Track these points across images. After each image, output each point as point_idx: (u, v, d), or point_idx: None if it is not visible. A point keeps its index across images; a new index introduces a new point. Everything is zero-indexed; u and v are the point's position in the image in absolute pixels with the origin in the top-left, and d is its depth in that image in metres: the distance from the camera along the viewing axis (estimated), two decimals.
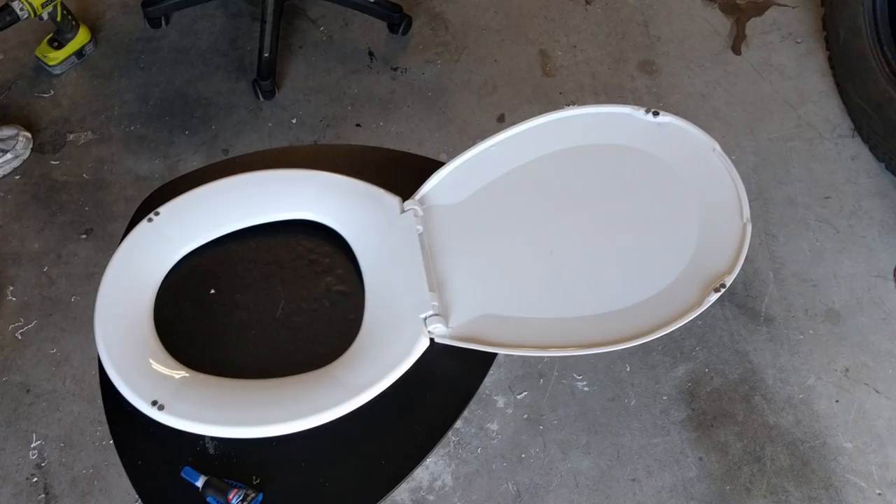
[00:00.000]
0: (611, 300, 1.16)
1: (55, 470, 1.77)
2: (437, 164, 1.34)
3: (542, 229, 1.23)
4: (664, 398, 1.89)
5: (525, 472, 1.81)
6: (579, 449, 1.84)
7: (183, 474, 1.12)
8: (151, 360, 1.19)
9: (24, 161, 2.09)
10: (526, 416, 1.85)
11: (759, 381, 1.91)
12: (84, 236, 2.06)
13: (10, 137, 2.08)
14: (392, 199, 1.31)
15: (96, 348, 1.19)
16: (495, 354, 1.21)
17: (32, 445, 1.80)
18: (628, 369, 1.93)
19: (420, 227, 1.27)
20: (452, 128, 2.20)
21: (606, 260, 1.19)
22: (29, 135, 2.12)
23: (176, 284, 1.28)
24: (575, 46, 2.36)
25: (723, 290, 1.12)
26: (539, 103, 2.24)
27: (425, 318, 1.20)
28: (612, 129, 1.28)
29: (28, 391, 1.86)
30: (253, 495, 1.10)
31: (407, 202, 1.30)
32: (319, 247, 1.32)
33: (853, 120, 2.19)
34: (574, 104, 1.26)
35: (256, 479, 1.12)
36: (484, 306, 1.20)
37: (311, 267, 1.31)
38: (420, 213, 1.29)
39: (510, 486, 1.79)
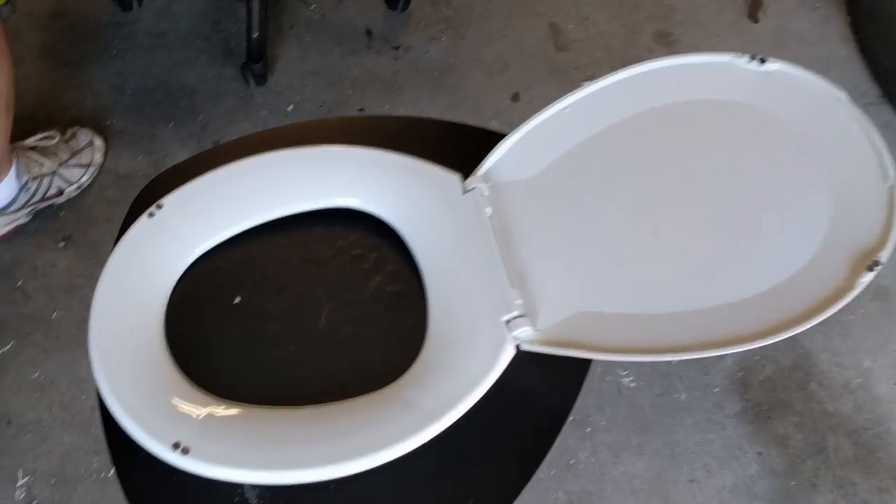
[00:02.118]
0: (736, 287, 0.89)
1: None
2: (496, 135, 1.06)
3: (639, 205, 0.96)
4: (716, 390, 1.63)
5: (575, 479, 1.54)
6: (631, 450, 1.57)
7: None
8: (168, 392, 0.88)
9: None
10: (571, 418, 1.58)
11: (813, 367, 1.66)
12: (62, 244, 1.73)
13: (87, 146, 1.72)
14: (451, 178, 1.02)
15: (92, 373, 0.88)
16: (590, 361, 0.93)
17: (19, 483, 1.47)
18: (674, 362, 1.66)
19: (489, 209, 0.99)
20: (464, 109, 1.92)
21: (724, 239, 0.92)
22: (102, 139, 1.75)
23: (190, 294, 0.98)
24: (587, 19, 2.08)
25: (878, 269, 0.86)
26: (554, 80, 1.97)
27: (508, 321, 0.91)
28: (710, 82, 1.01)
29: (9, 423, 1.54)
30: None
31: (469, 180, 1.02)
32: (364, 239, 1.03)
33: (881, 86, 1.96)
34: (592, 79, 0.98)
35: None
36: (578, 302, 0.92)
37: (357, 264, 1.01)
38: (486, 192, 1.00)
39: (560, 496, 1.52)
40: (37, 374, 1.58)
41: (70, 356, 1.60)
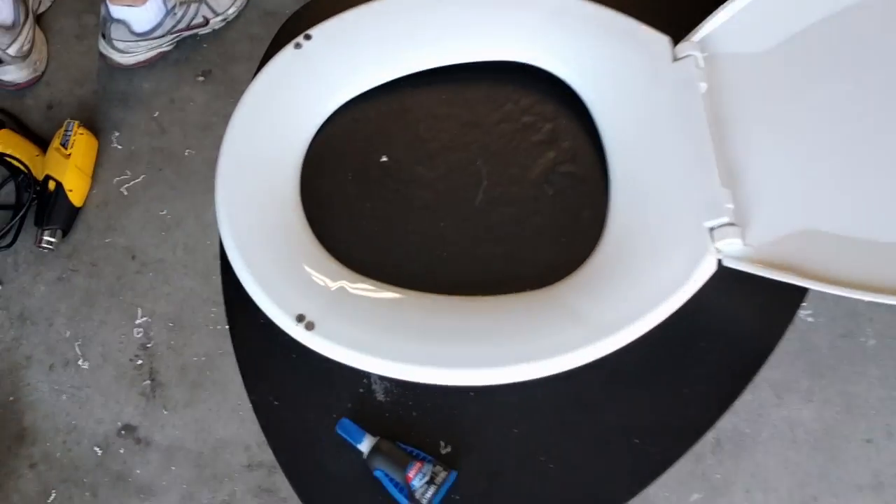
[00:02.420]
0: None
1: (162, 353, 1.40)
2: None
3: (885, 110, 0.72)
4: None
5: (727, 415, 1.34)
6: (798, 394, 1.36)
7: (339, 429, 0.69)
8: (297, 257, 0.75)
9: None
10: None
11: None
12: (201, 78, 1.62)
13: None
14: (659, 40, 0.80)
15: (215, 217, 0.75)
16: (805, 291, 0.73)
17: (137, 322, 1.43)
18: (866, 300, 1.41)
19: (703, 84, 0.77)
20: None
21: None
22: None
23: (331, 145, 0.82)
24: None
25: None
26: None
27: (713, 229, 0.71)
28: None
29: (133, 257, 1.48)
30: (444, 474, 0.67)
31: (680, 45, 0.79)
32: (539, 104, 0.84)
33: None
34: None
35: (446, 448, 0.69)
36: (801, 217, 0.71)
37: (527, 134, 0.82)
38: (701, 63, 0.78)
39: (708, 434, 1.33)
40: (164, 212, 1.51)
41: (200, 199, 1.51)
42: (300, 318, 0.68)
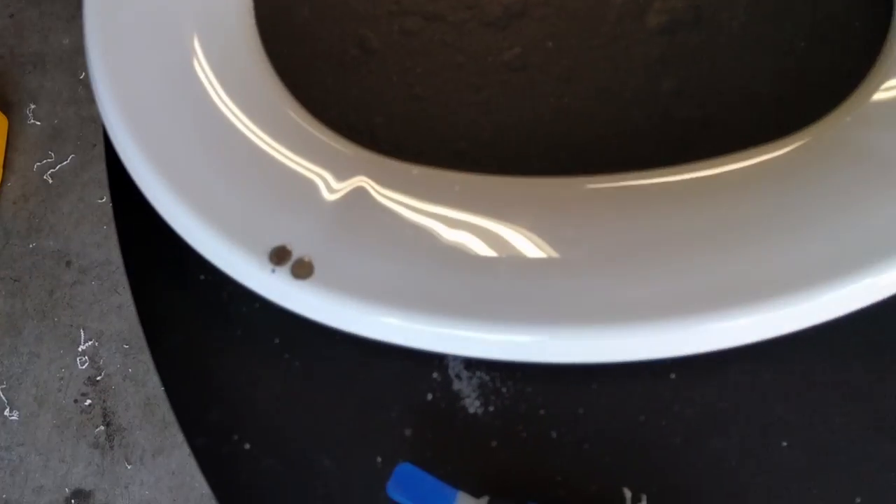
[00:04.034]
0: None
1: (118, 386, 1.02)
2: None
3: None
4: None
5: None
6: None
7: (394, 489, 0.28)
8: (265, 126, 0.34)
9: None
10: None
11: None
12: None
13: None
14: None
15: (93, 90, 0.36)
16: None
17: (81, 348, 1.05)
18: None
19: None
20: None
21: None
22: None
23: None
24: None
25: None
26: None
27: None
28: None
29: (68, 264, 1.09)
30: None
31: None
32: None
33: None
34: None
35: (637, 500, 0.28)
36: None
37: None
38: None
39: None
40: (104, 199, 1.12)
41: None
42: (280, 256, 0.27)
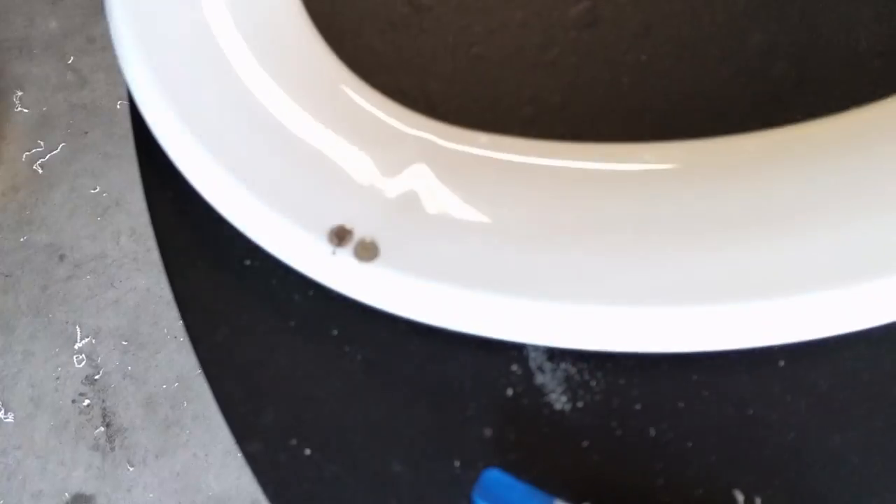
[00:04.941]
0: None
1: (117, 385, 0.98)
2: None
3: None
4: None
5: None
6: None
7: (479, 495, 0.24)
8: (318, 99, 0.30)
9: None
10: None
11: None
12: None
13: None
14: None
15: (121, 67, 0.31)
16: None
17: (77, 345, 1.01)
18: None
19: None
20: None
21: None
22: None
23: None
24: None
25: None
26: None
27: None
28: None
29: (62, 258, 1.05)
30: None
31: None
32: None
33: None
34: None
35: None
36: None
37: None
38: None
39: None
40: (97, 189, 1.08)
41: None
42: (340, 236, 0.23)
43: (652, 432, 0.30)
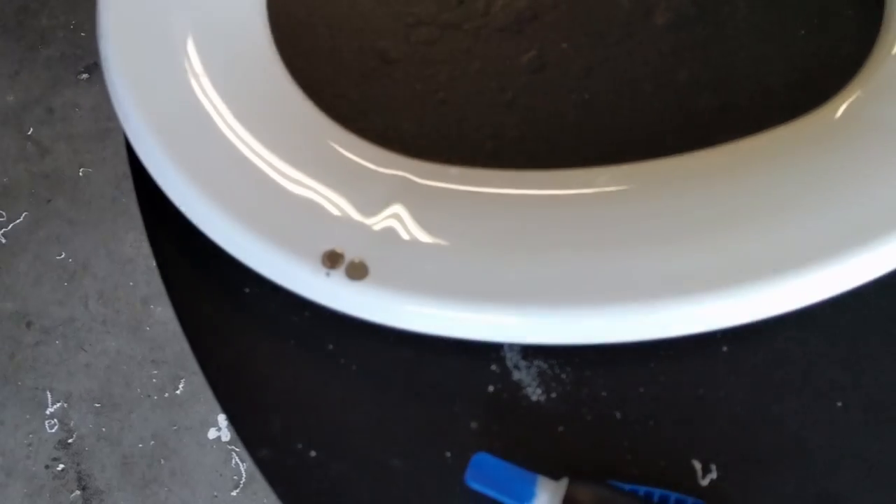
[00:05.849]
0: None
1: (92, 448, 0.99)
2: None
3: None
4: None
5: None
6: None
7: (472, 477, 0.28)
8: (297, 138, 0.35)
9: None
10: None
11: None
12: (85, 76, 1.22)
13: None
14: None
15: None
16: None
17: (49, 411, 1.01)
18: None
19: None
20: None
21: None
22: None
23: None
24: None
25: None
26: None
27: None
28: None
29: (29, 325, 1.06)
30: None
31: None
32: None
33: None
34: None
35: (707, 475, 0.29)
36: None
37: None
38: None
39: None
40: (62, 255, 1.10)
41: (108, 227, 1.11)
42: (332, 259, 0.28)
43: (618, 415, 0.35)
